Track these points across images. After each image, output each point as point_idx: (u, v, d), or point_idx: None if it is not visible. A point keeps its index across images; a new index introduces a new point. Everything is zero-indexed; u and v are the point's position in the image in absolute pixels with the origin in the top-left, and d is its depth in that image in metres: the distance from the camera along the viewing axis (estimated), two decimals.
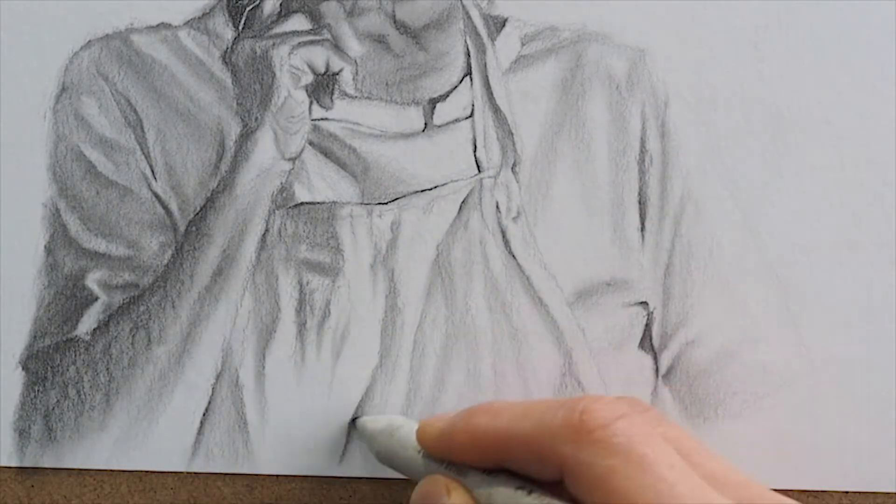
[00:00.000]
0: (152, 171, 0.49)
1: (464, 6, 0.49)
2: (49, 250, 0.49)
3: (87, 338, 0.48)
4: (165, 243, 0.48)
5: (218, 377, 0.48)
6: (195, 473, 0.48)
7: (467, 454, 0.39)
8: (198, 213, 0.48)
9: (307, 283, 0.48)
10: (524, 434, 0.37)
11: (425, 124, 0.49)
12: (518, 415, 0.38)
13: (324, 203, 0.48)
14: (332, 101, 0.49)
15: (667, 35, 0.48)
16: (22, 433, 0.48)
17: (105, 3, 0.49)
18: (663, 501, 0.33)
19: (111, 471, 0.48)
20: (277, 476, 0.48)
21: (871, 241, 0.47)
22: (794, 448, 0.46)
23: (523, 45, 0.49)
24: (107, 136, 0.49)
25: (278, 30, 0.48)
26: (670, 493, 0.33)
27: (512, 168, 0.48)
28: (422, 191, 0.48)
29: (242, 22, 0.49)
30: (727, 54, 0.48)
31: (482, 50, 0.49)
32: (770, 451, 0.47)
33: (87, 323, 0.48)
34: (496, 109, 0.49)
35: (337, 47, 0.49)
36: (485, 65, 0.49)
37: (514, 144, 0.48)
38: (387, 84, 0.49)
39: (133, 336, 0.48)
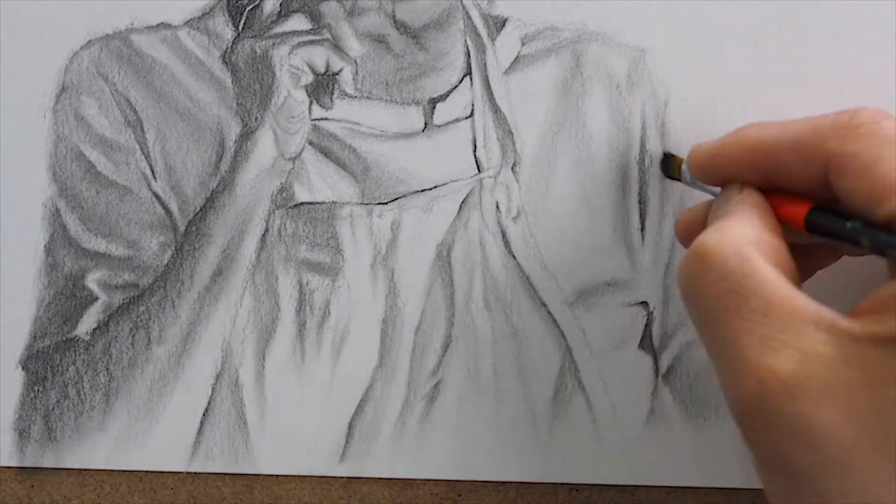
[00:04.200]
0: (152, 171, 0.49)
1: (464, 6, 0.49)
2: (49, 250, 0.49)
3: (87, 338, 0.48)
4: (165, 243, 0.48)
5: (218, 377, 0.48)
6: (195, 473, 0.48)
7: (737, 167, 0.40)
8: (198, 213, 0.48)
9: (307, 283, 0.48)
10: (793, 137, 0.38)
11: (425, 124, 0.49)
12: (785, 124, 0.39)
13: (324, 203, 0.48)
14: (332, 101, 0.49)
15: (667, 35, 0.48)
16: (22, 433, 0.48)
17: (105, 3, 0.49)
18: None
19: (111, 471, 0.48)
20: (277, 476, 0.48)
21: None
22: None
23: (523, 44, 0.49)
24: (107, 136, 0.49)
25: (278, 30, 0.48)
26: None
27: (512, 168, 0.48)
28: (422, 191, 0.48)
29: (242, 22, 0.49)
30: (727, 54, 0.48)
31: (482, 50, 0.49)
32: None
33: (87, 323, 0.48)
34: (496, 109, 0.49)
35: (337, 47, 0.49)
36: (485, 65, 0.49)
37: (514, 144, 0.48)
38: (387, 84, 0.49)
39: (133, 336, 0.48)
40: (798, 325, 0.34)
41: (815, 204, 0.38)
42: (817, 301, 0.35)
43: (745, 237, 0.36)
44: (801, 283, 0.38)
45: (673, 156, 0.47)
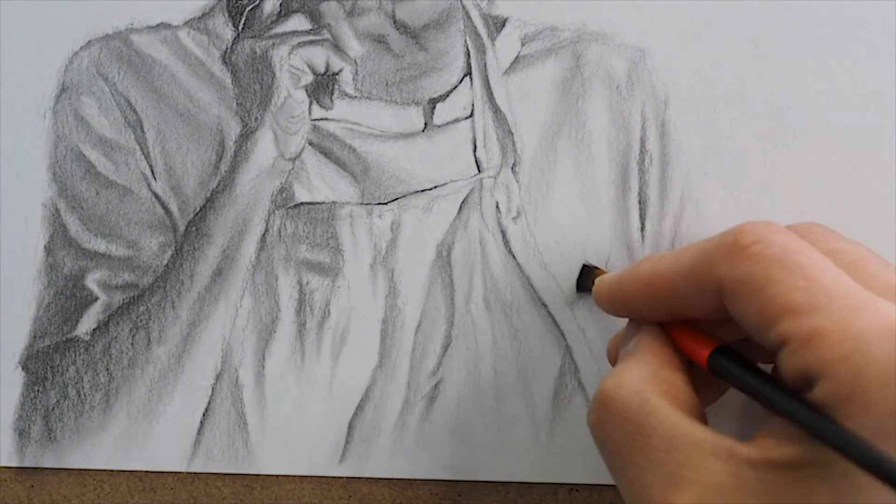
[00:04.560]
0: (152, 172, 0.49)
1: (464, 6, 0.49)
2: (49, 250, 0.49)
3: (87, 338, 0.48)
4: (165, 243, 0.48)
5: (218, 377, 0.48)
6: (195, 473, 0.48)
7: (638, 301, 0.40)
8: (197, 214, 0.48)
9: (307, 283, 0.48)
10: (685, 266, 0.38)
11: (425, 124, 0.49)
12: (678, 253, 0.39)
13: (324, 203, 0.48)
14: (331, 101, 0.49)
15: (667, 35, 0.48)
16: (22, 433, 0.48)
17: (105, 3, 0.49)
18: (817, 301, 0.34)
19: (111, 471, 0.48)
20: (277, 476, 0.48)
21: (871, 241, 0.47)
22: None
23: (523, 44, 0.49)
24: (107, 137, 0.49)
25: (278, 30, 0.48)
26: (825, 293, 0.34)
27: (512, 168, 0.48)
28: (422, 191, 0.48)
29: (242, 22, 0.49)
30: (727, 54, 0.48)
31: (482, 50, 0.49)
32: None
33: (87, 323, 0.48)
34: (496, 109, 0.49)
35: (337, 47, 0.49)
36: (485, 65, 0.49)
37: (514, 144, 0.48)
38: (387, 84, 0.49)
39: (133, 336, 0.48)
40: (698, 458, 0.34)
41: (718, 345, 0.38)
42: (717, 429, 0.35)
43: (642, 377, 0.37)
44: (706, 405, 0.39)
45: (595, 268, 0.47)
